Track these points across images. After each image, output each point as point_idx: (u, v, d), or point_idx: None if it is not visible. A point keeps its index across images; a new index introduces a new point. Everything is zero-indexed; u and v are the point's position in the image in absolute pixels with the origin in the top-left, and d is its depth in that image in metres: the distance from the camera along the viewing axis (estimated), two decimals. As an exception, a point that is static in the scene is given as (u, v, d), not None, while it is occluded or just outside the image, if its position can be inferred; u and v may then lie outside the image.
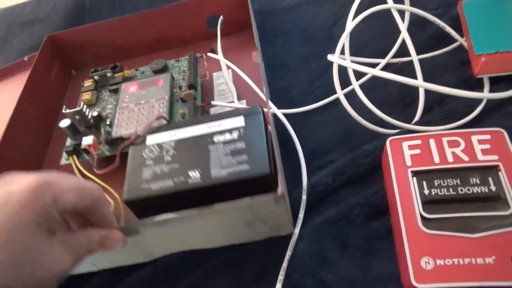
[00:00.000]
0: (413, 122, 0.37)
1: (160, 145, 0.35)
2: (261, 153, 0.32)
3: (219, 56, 0.47)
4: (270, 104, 0.40)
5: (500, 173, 0.30)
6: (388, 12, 0.43)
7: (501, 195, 0.29)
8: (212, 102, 0.42)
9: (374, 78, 0.43)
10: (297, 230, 0.34)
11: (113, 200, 0.37)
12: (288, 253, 0.32)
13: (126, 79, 0.47)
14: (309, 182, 0.36)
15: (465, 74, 0.40)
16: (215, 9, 0.51)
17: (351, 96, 0.39)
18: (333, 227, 0.33)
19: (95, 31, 0.51)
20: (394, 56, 0.44)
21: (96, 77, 0.47)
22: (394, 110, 0.39)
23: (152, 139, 0.36)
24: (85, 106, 0.43)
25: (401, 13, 0.42)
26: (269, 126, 0.36)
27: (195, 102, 0.41)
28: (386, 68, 0.43)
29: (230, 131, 0.35)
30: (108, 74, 0.47)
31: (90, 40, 0.52)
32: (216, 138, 0.34)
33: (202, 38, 0.53)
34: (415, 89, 0.40)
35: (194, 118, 0.39)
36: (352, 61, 0.41)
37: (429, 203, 0.30)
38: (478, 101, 0.37)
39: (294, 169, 0.38)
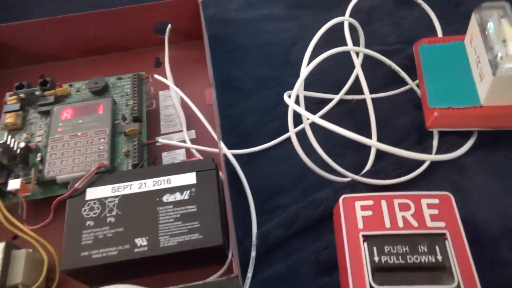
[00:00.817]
0: (363, 172, 0.37)
1: (102, 202, 0.32)
2: (213, 220, 0.31)
3: (168, 78, 0.43)
4: (222, 145, 0.38)
5: (446, 241, 0.31)
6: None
7: (446, 265, 0.30)
8: (159, 139, 0.38)
9: (331, 113, 0.42)
10: (246, 289, 0.33)
11: (47, 253, 0.34)
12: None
13: (59, 98, 0.42)
14: (259, 233, 0.35)
15: (420, 118, 0.40)
16: (163, 14, 0.46)
17: (305, 135, 0.38)
18: (282, 283, 0.33)
19: (23, 27, 0.44)
20: (351, 91, 0.42)
21: (21, 95, 0.41)
22: (349, 151, 0.39)
23: (92, 193, 0.33)
24: (9, 137, 0.38)
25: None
26: (221, 176, 0.34)
27: (140, 139, 0.38)
28: (340, 104, 0.42)
29: (181, 190, 0.32)
30: (37, 93, 0.41)
31: (14, 37, 0.45)
32: (165, 198, 0.32)
33: (148, 44, 0.48)
34: (370, 130, 0.39)
35: (140, 169, 0.36)
36: (305, 96, 0.39)
37: (378, 270, 0.30)
38: (429, 152, 0.38)
39: (243, 213, 0.36)
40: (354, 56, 0.41)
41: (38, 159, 0.37)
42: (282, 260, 0.34)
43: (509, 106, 0.36)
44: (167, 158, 0.40)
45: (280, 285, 0.33)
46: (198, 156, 0.39)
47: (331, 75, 0.44)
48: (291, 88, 0.38)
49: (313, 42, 0.37)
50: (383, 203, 0.32)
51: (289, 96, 0.37)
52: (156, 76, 0.43)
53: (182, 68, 0.46)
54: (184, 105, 0.43)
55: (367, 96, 0.39)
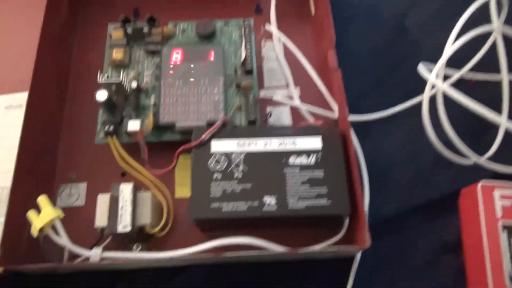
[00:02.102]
0: (486, 156, 0.36)
1: (228, 156, 0.32)
2: (341, 187, 0.31)
3: (272, 28, 0.41)
4: (335, 107, 0.37)
5: None
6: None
7: None
8: (274, 98, 0.38)
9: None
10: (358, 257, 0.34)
11: (164, 197, 0.35)
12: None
13: (165, 38, 0.40)
14: (372, 204, 0.35)
15: None
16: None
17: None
18: (397, 258, 0.34)
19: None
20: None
21: (128, 30, 0.40)
22: (466, 133, 0.37)
23: (217, 146, 0.33)
24: (123, 76, 0.37)
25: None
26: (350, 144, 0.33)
27: (254, 95, 0.37)
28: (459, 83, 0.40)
29: (307, 153, 0.32)
30: (145, 30, 0.40)
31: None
32: (291, 160, 0.32)
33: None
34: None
35: (261, 126, 0.36)
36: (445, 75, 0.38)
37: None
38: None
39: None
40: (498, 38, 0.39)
41: (152, 102, 0.37)
42: (395, 236, 0.35)
43: None
44: (273, 113, 0.40)
45: (394, 261, 0.34)
46: (309, 117, 0.38)
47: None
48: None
49: (461, 21, 0.36)
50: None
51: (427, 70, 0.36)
52: (267, 26, 0.41)
53: (285, 19, 0.43)
54: (289, 58, 0.41)
55: (505, 77, 0.38)
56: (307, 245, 0.32)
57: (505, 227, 0.31)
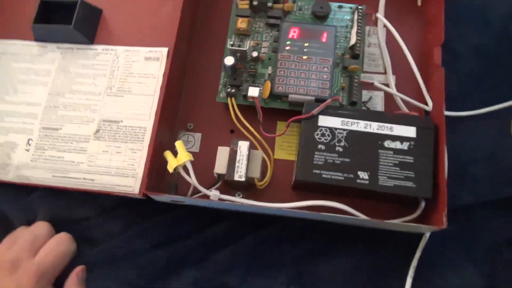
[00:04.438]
0: None
1: (332, 131, 0.37)
2: (427, 174, 0.36)
3: (380, 15, 0.44)
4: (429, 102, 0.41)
5: None
6: None
7: None
8: (375, 82, 0.42)
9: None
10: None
11: (267, 156, 0.41)
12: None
13: (285, 13, 0.45)
14: (449, 194, 0.40)
15: None
16: None
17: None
18: (462, 246, 0.39)
19: None
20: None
21: (254, 2, 0.45)
22: None
23: (324, 121, 0.38)
24: (248, 44, 0.42)
25: None
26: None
27: (359, 79, 0.41)
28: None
29: (401, 139, 0.37)
30: (269, 4, 0.44)
31: None
32: (386, 143, 0.37)
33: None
34: None
35: (364, 109, 0.40)
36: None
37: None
38: None
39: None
40: None
41: (269, 72, 0.42)
42: (463, 224, 0.39)
43: None
44: (365, 97, 0.44)
45: (458, 246, 0.39)
46: (402, 105, 0.42)
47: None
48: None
49: None
50: None
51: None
52: (378, 15, 0.44)
53: (393, 7, 0.46)
54: (390, 46, 0.44)
55: None
56: (388, 218, 0.37)
57: None
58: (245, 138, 0.41)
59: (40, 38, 0.45)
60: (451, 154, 0.41)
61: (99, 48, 0.45)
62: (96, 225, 0.41)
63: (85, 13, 0.44)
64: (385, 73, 0.45)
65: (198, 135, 0.44)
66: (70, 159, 0.40)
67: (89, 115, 0.42)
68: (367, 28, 0.47)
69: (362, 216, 0.36)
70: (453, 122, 0.43)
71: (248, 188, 0.40)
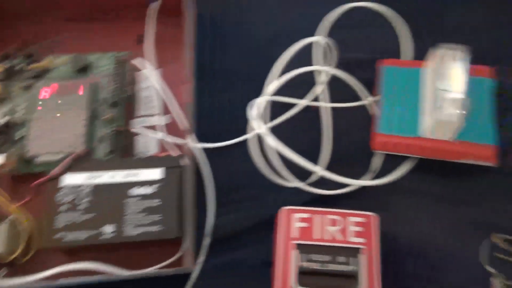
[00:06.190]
0: (308, 181, 0.42)
1: (76, 189, 0.37)
2: (174, 214, 0.36)
3: (149, 59, 0.46)
4: (191, 137, 0.42)
5: (361, 256, 0.37)
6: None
7: (357, 275, 0.37)
8: (134, 127, 0.42)
9: (296, 117, 0.45)
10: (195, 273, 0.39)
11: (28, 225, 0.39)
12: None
13: (41, 72, 0.44)
14: (214, 224, 0.41)
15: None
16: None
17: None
18: (230, 272, 0.40)
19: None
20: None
21: (7, 65, 0.44)
22: (306, 155, 0.43)
23: (68, 179, 0.37)
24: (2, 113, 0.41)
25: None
26: (186, 177, 0.38)
27: (117, 125, 0.42)
28: (307, 110, 0.46)
29: (148, 183, 0.37)
30: (21, 66, 0.44)
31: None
32: (133, 191, 0.37)
33: (131, 17, 0.49)
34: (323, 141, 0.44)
35: (113, 158, 0.40)
36: (272, 101, 0.43)
37: (301, 274, 0.36)
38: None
39: (203, 204, 0.42)
40: (322, 75, 0.44)
41: (20, 136, 0.41)
42: (231, 251, 0.40)
43: (445, 142, 0.41)
44: (140, 142, 0.44)
45: (227, 274, 0.40)
46: (170, 145, 0.43)
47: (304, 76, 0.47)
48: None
49: (283, 61, 0.41)
50: (317, 217, 0.38)
51: (254, 106, 0.41)
52: (136, 60, 0.45)
53: (166, 48, 0.47)
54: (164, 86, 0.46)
55: (325, 105, 0.43)
56: (148, 266, 0.37)
57: (296, 245, 0.37)
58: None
59: None
60: (218, 184, 0.42)
61: None
62: None
63: None
64: (158, 115, 0.45)
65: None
66: None
67: None
68: (142, 72, 0.47)
69: (115, 271, 0.36)
70: (221, 151, 0.44)
71: (8, 264, 0.38)
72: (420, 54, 0.46)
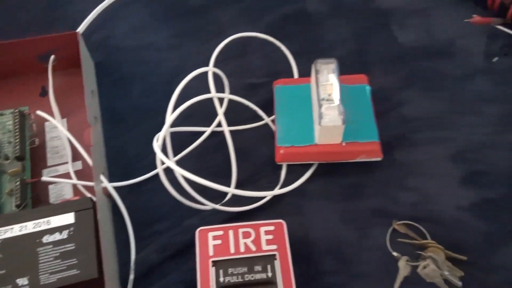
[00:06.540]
0: (224, 201, 0.45)
1: (-15, 247, 0.37)
2: (90, 255, 0.37)
3: (53, 109, 0.47)
4: (103, 178, 0.43)
5: (276, 261, 0.40)
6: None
7: (274, 281, 0.39)
8: (43, 177, 0.43)
9: (205, 144, 0.48)
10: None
11: None
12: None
13: None
14: (137, 258, 0.42)
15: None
16: (47, 45, 0.49)
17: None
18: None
19: None
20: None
21: None
22: (219, 178, 0.45)
23: (-24, 238, 0.37)
24: None
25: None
26: (98, 217, 0.39)
27: (23, 178, 0.42)
28: (213, 136, 0.49)
29: (60, 229, 0.38)
30: None
31: None
32: (45, 239, 0.37)
33: (33, 72, 0.50)
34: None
35: (22, 211, 0.40)
36: (175, 132, 0.46)
37: (221, 289, 0.38)
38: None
39: (125, 240, 0.43)
40: (216, 102, 0.48)
41: None
42: (158, 282, 0.42)
43: (338, 145, 0.46)
44: (53, 190, 0.45)
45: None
46: (82, 189, 0.44)
47: (208, 106, 0.50)
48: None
49: (176, 92, 0.44)
50: (230, 233, 0.40)
51: (158, 139, 0.43)
52: (38, 112, 0.46)
53: (68, 97, 0.49)
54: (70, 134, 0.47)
55: (226, 128, 0.47)
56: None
57: (214, 262, 0.39)
58: None
59: None
60: (136, 219, 0.44)
61: None
62: None
63: None
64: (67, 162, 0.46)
65: None
66: None
67: None
68: (48, 123, 0.48)
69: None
70: (134, 188, 0.46)
71: None
72: (306, 71, 0.51)
